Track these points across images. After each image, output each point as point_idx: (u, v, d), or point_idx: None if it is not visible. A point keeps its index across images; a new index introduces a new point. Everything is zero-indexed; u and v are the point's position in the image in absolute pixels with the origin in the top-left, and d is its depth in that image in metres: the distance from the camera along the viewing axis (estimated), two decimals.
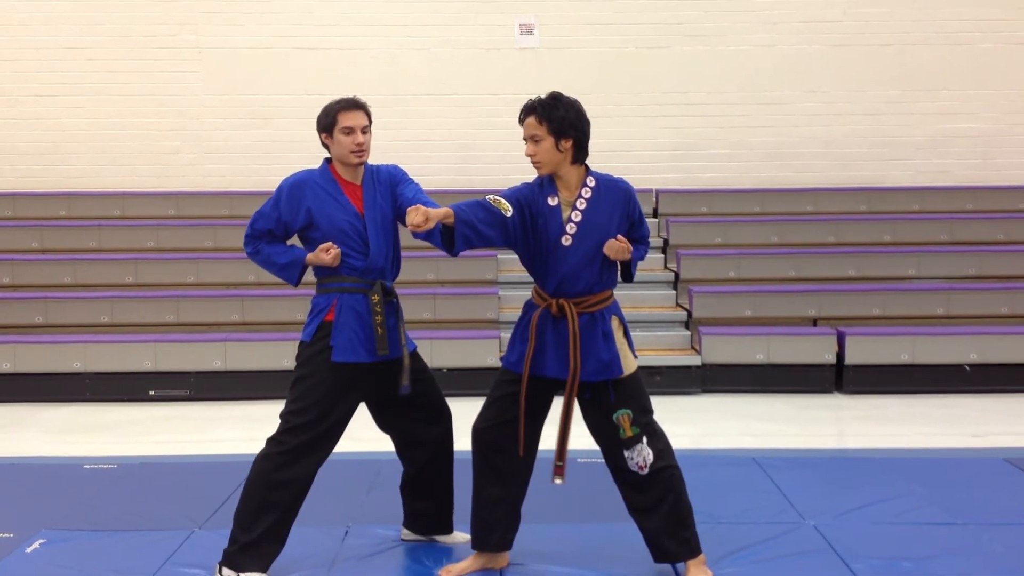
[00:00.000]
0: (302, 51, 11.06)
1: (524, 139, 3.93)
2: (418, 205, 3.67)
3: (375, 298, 4.05)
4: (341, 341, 4.01)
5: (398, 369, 4.12)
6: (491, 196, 3.88)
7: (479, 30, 11.10)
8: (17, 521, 4.80)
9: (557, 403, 4.08)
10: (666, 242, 10.32)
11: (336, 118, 4.05)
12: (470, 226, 3.79)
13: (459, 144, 11.06)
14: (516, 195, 3.92)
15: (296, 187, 4.09)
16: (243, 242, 4.21)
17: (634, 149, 10.91)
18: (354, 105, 4.08)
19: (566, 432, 3.97)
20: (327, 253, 4.02)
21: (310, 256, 4.09)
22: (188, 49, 11.06)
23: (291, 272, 4.18)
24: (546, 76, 10.51)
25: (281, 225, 4.11)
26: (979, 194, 10.89)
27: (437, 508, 4.43)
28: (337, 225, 4.05)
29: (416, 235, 4.07)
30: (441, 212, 3.70)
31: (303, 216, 4.07)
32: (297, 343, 4.14)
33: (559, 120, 3.83)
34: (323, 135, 4.11)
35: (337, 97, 4.13)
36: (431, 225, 3.65)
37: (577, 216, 3.90)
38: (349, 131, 4.04)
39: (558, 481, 4.01)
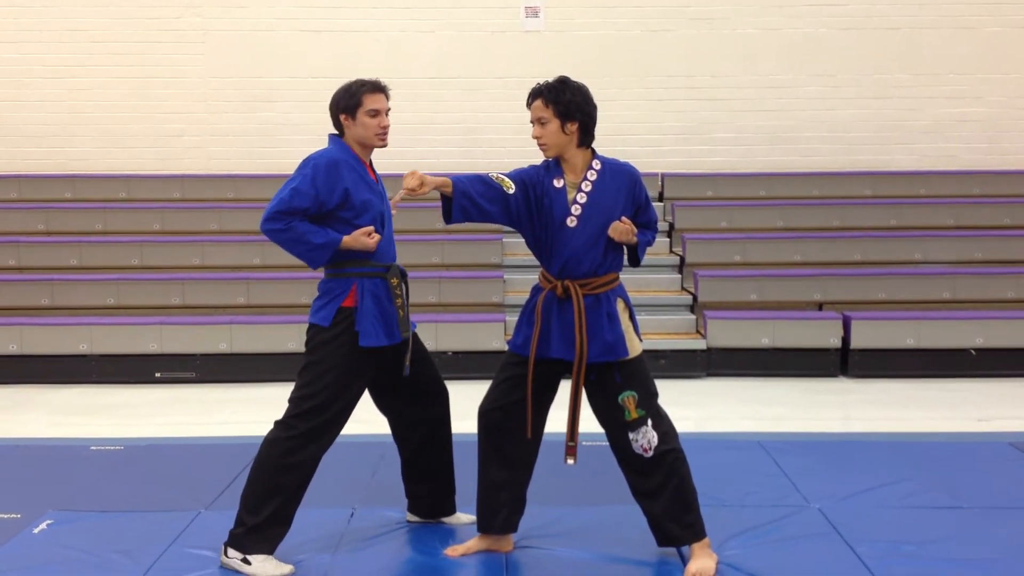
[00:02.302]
0: (307, 33, 11.03)
1: (531, 122, 3.94)
2: (414, 170, 3.66)
3: (395, 281, 4.06)
4: (366, 326, 3.98)
5: (402, 351, 4.12)
6: (493, 173, 3.89)
7: (484, 13, 11.05)
8: (24, 502, 4.83)
9: (564, 386, 4.09)
10: (671, 226, 10.31)
11: (362, 99, 4.01)
12: (468, 198, 3.81)
13: (464, 127, 11.05)
14: (521, 175, 3.94)
15: (332, 166, 3.96)
16: (268, 217, 3.94)
17: (639, 133, 10.89)
18: (379, 88, 4.06)
19: (576, 413, 3.98)
20: (369, 237, 3.97)
21: (347, 239, 3.97)
22: (193, 31, 11.04)
23: (323, 253, 3.99)
24: (551, 59, 10.49)
25: (317, 203, 3.95)
26: (985, 179, 10.86)
27: (439, 490, 4.45)
28: (369, 207, 4.02)
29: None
30: (438, 180, 3.72)
31: (339, 196, 3.96)
32: (304, 327, 4.13)
33: (565, 103, 3.85)
34: (343, 115, 4.04)
35: (341, 80, 4.11)
36: (426, 190, 3.68)
37: (582, 198, 3.91)
38: (375, 113, 4.02)
39: (570, 461, 4.02)
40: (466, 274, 9.22)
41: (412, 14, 11.05)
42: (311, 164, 3.98)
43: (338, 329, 4.01)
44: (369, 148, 4.10)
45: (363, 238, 3.98)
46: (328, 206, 3.97)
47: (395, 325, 4.05)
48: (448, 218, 3.89)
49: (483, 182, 3.86)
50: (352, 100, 4.02)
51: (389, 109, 4.08)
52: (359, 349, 3.99)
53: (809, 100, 11.13)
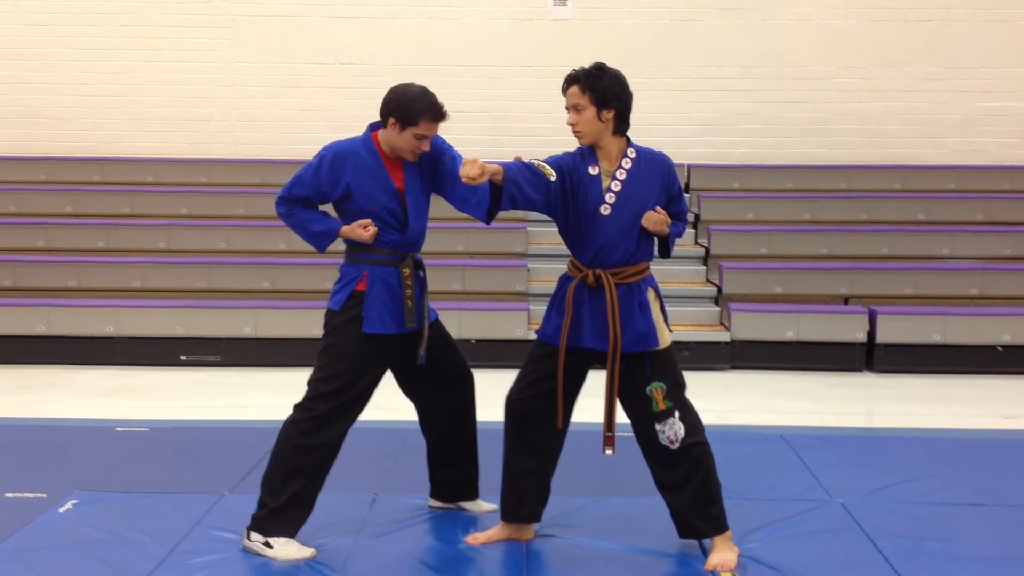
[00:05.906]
0: (335, 20, 11.02)
1: (566, 108, 3.91)
2: (475, 158, 3.57)
3: (406, 271, 4.06)
4: (372, 313, 4.01)
5: (417, 338, 4.13)
6: (535, 160, 3.85)
7: (512, 1, 11.02)
8: (50, 482, 4.87)
9: (592, 376, 4.08)
10: (697, 217, 10.27)
11: (418, 122, 3.94)
12: (517, 186, 3.75)
13: (491, 116, 11.01)
14: (559, 162, 3.90)
15: (339, 158, 4.04)
16: (277, 201, 4.16)
17: (667, 123, 10.80)
18: (440, 117, 3.98)
19: (612, 403, 3.96)
20: (365, 230, 4.00)
21: (345, 229, 4.07)
22: (221, 16, 11.07)
23: (323, 240, 4.18)
24: (579, 48, 10.43)
25: (319, 193, 4.09)
26: (1015, 174, 10.75)
27: (462, 474, 4.47)
28: (375, 202, 4.04)
29: (461, 203, 4.04)
30: (494, 168, 3.66)
31: (342, 188, 4.04)
32: (325, 311, 4.16)
33: (602, 90, 3.82)
34: (392, 119, 3.98)
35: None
36: (485, 179, 3.59)
37: (617, 186, 3.89)
38: (422, 138, 3.99)
39: (608, 452, 4.00)
40: (490, 262, 9.22)
41: (440, 2, 11.01)
42: (321, 154, 4.08)
43: (349, 314, 4.04)
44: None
45: (359, 230, 4.01)
46: (331, 197, 4.09)
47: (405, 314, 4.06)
48: (497, 207, 3.82)
49: (529, 169, 3.79)
50: (409, 117, 3.94)
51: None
52: (370, 335, 4.01)
53: (838, 92, 11.05)
